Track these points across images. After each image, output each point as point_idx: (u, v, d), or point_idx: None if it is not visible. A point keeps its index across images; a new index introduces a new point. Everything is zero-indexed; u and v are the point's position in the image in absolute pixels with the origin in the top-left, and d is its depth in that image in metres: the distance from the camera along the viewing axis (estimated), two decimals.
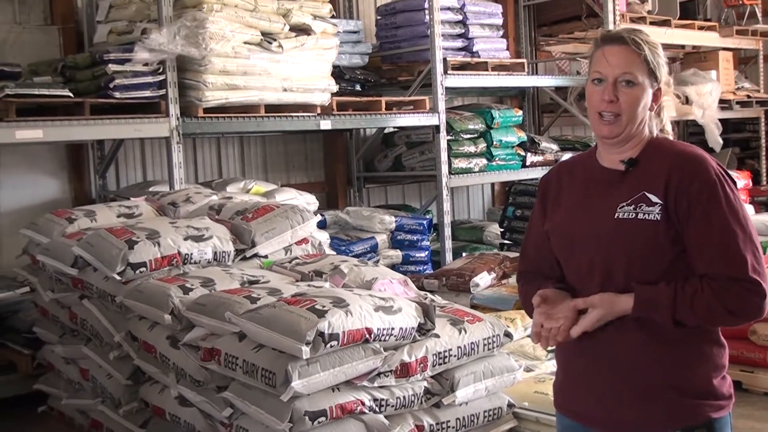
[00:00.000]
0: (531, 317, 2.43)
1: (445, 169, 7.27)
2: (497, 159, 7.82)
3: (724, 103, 10.23)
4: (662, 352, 2.24)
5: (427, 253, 7.17)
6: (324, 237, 6.16)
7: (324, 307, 3.18)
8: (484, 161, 7.75)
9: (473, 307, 5.34)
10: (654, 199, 2.23)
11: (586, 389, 2.34)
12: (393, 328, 3.31)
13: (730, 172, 2.32)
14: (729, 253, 2.18)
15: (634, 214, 2.23)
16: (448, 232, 7.34)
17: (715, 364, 2.28)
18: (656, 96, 2.33)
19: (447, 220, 7.32)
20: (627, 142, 2.33)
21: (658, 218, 2.21)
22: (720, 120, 10.54)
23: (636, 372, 2.25)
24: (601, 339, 2.27)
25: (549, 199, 2.49)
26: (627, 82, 2.28)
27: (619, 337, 2.26)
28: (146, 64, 5.47)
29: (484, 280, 5.86)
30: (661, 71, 2.32)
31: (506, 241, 7.70)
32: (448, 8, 7.64)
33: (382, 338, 3.28)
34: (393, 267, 6.82)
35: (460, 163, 7.53)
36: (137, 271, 3.96)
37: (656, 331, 2.23)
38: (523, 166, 8.05)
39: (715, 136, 9.68)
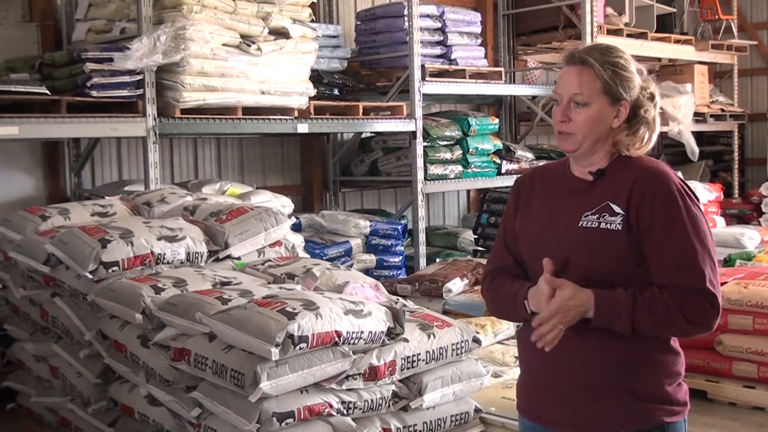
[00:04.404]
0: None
1: (420, 175, 7.31)
2: (473, 166, 7.88)
3: (699, 116, 10.37)
4: (617, 358, 2.31)
5: (401, 258, 7.20)
6: (299, 240, 6.18)
7: (294, 309, 3.21)
8: (460, 168, 7.80)
9: (445, 312, 5.39)
10: (617, 209, 2.29)
11: (547, 392, 2.40)
12: (362, 332, 3.34)
13: (692, 187, 2.39)
14: (687, 265, 2.25)
15: (597, 223, 2.30)
16: (422, 237, 7.39)
17: (670, 371, 2.35)
18: (618, 113, 2.37)
19: (422, 225, 7.36)
20: (591, 156, 2.39)
21: (620, 228, 2.28)
22: (694, 133, 10.68)
23: (592, 375, 2.32)
24: (558, 345, 2.32)
25: (521, 201, 2.55)
26: (577, 102, 2.35)
27: (577, 342, 2.32)
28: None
29: (456, 286, 5.91)
30: (623, 89, 2.35)
31: (479, 248, 7.76)
32: (428, 15, 7.68)
33: (352, 341, 3.31)
34: (367, 271, 6.86)
35: (435, 170, 7.58)
36: (110, 270, 3.97)
37: (612, 337, 2.29)
38: (499, 173, 8.10)
39: (692, 147, 9.84)
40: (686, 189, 2.34)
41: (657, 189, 2.29)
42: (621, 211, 2.29)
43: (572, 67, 2.37)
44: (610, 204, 2.31)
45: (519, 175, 2.66)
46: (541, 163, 8.19)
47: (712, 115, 10.67)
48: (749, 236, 8.01)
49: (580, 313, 2.27)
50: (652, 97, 2.43)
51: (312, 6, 6.57)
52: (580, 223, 2.33)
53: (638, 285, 2.28)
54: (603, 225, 2.30)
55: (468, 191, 9.62)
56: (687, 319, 2.24)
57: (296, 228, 6.86)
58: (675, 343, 2.38)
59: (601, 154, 2.40)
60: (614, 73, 2.35)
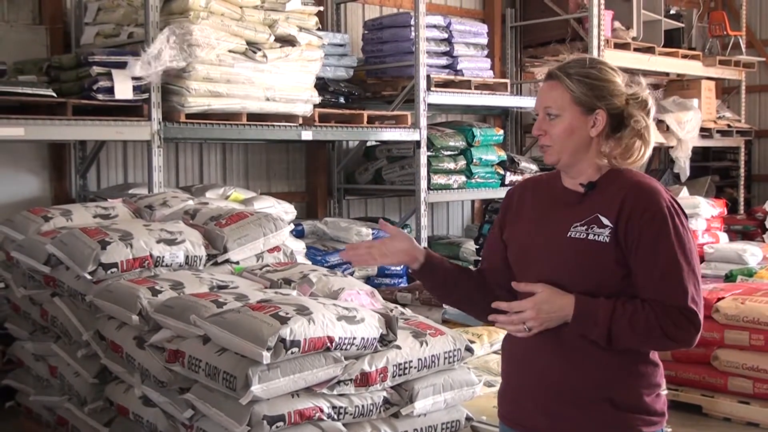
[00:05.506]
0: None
1: (424, 184, 7.35)
2: (476, 177, 7.91)
3: (705, 132, 10.39)
4: (599, 368, 2.34)
5: (402, 266, 7.22)
6: (300, 246, 6.23)
7: (287, 314, 3.24)
8: (464, 178, 7.83)
9: (444, 322, 5.41)
10: (606, 222, 2.33)
11: (528, 400, 2.43)
12: (355, 338, 3.36)
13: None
14: (672, 282, 2.28)
15: (585, 234, 2.33)
16: (425, 246, 7.40)
17: (649, 382, 2.38)
18: (596, 121, 2.39)
19: (424, 234, 7.39)
20: (575, 167, 2.43)
21: (607, 240, 2.31)
22: (701, 148, 10.69)
23: (573, 385, 2.35)
24: (541, 353, 2.37)
25: (511, 210, 2.60)
26: (550, 114, 2.41)
27: (559, 352, 2.36)
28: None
29: None
30: (596, 98, 2.38)
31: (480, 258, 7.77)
32: (434, 26, 7.75)
33: (344, 347, 3.33)
34: (368, 279, 6.90)
35: (439, 179, 7.61)
36: (108, 272, 4.01)
37: (594, 347, 2.32)
38: (502, 184, 8.13)
39: (683, 169, 9.90)
40: (675, 206, 2.36)
41: (647, 205, 2.32)
42: (609, 224, 2.32)
43: (546, 82, 2.45)
44: (600, 216, 2.34)
45: (510, 187, 2.71)
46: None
47: (718, 131, 10.68)
48: (751, 252, 8.02)
49: (561, 317, 2.32)
50: (644, 106, 2.43)
51: (320, 15, 6.63)
52: (569, 234, 2.36)
53: (624, 297, 2.31)
54: (591, 236, 2.33)
55: (472, 201, 9.65)
56: (666, 335, 2.27)
57: (299, 234, 6.91)
58: (654, 355, 2.42)
59: (587, 164, 2.42)
60: (584, 84, 2.38)
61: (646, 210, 2.31)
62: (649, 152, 2.46)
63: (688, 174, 10.10)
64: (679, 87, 10.79)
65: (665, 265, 2.28)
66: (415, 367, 3.56)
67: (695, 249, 2.36)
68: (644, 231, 2.30)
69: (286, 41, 6.26)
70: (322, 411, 3.31)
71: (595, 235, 2.32)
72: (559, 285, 2.34)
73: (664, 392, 2.46)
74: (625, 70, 2.55)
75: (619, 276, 2.33)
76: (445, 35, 7.88)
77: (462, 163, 7.81)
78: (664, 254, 2.29)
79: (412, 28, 7.42)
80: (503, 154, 8.19)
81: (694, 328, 2.29)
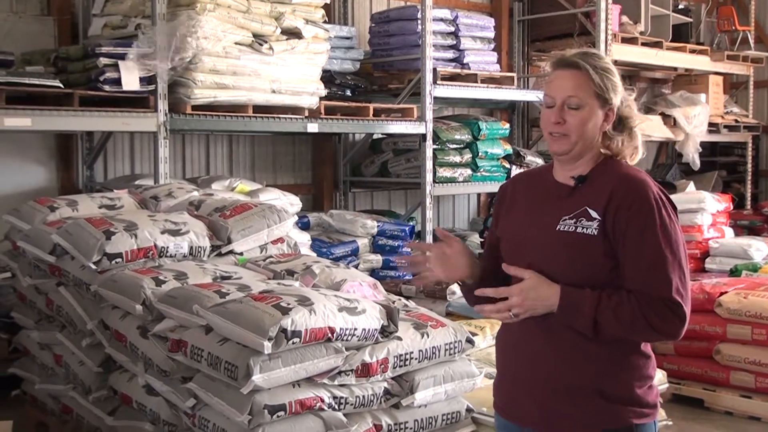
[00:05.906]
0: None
1: (429, 177, 7.37)
2: (482, 170, 7.93)
3: (712, 127, 10.38)
4: (590, 360, 2.36)
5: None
6: (305, 238, 6.24)
7: (289, 304, 3.26)
8: (469, 171, 7.86)
9: (448, 314, 5.43)
10: (594, 214, 2.35)
11: (521, 391, 2.46)
12: (356, 329, 3.39)
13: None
14: (657, 274, 2.29)
15: (573, 227, 2.36)
16: (429, 239, 7.43)
17: (641, 374, 2.40)
18: (607, 116, 2.43)
19: (429, 227, 7.41)
20: (578, 159, 2.44)
21: (595, 233, 2.33)
22: (708, 143, 10.67)
23: (565, 376, 2.37)
24: (533, 344, 2.39)
25: (504, 204, 2.62)
26: (571, 105, 2.40)
27: (551, 340, 2.38)
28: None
29: None
30: (612, 94, 2.41)
31: None
32: (441, 19, 7.76)
33: (345, 338, 3.36)
34: (373, 271, 6.92)
35: (444, 172, 7.64)
36: (113, 262, 4.03)
37: (586, 339, 2.34)
38: (508, 178, 8.11)
39: (693, 162, 9.94)
40: (663, 198, 2.38)
41: (634, 197, 2.34)
42: (597, 217, 2.34)
43: (565, 71, 2.42)
44: (588, 209, 2.36)
45: (503, 182, 2.73)
46: None
47: (726, 126, 10.67)
48: (756, 247, 8.01)
49: (546, 305, 2.33)
50: (633, 106, 2.50)
51: (326, 7, 6.64)
52: (558, 227, 2.38)
53: (610, 288, 2.32)
54: (579, 229, 2.35)
55: (478, 195, 9.66)
56: (651, 327, 2.28)
57: (304, 226, 6.93)
58: (646, 347, 2.43)
59: (587, 158, 2.45)
60: (605, 78, 2.40)
61: (634, 202, 2.33)
62: (641, 147, 2.51)
63: (698, 164, 10.11)
64: (686, 82, 10.78)
65: (651, 256, 2.30)
66: (416, 359, 3.58)
67: (683, 241, 2.37)
68: (631, 222, 2.31)
69: (293, 34, 6.29)
70: (322, 401, 3.34)
71: (583, 228, 2.35)
72: (549, 277, 2.36)
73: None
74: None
75: (608, 268, 2.35)
76: (452, 29, 7.89)
77: (468, 156, 7.84)
78: (650, 246, 2.30)
79: (419, 22, 7.44)
80: (509, 148, 8.21)
81: (678, 320, 2.30)
